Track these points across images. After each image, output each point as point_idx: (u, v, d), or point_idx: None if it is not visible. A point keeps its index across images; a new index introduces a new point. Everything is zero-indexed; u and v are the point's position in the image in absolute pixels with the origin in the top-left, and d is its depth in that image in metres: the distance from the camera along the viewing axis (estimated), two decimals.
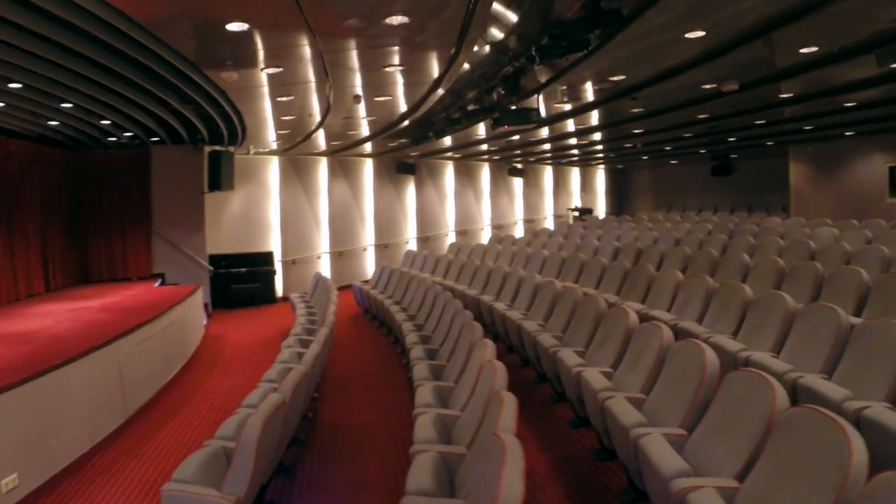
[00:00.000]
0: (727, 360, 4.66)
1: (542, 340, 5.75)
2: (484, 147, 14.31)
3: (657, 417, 3.65)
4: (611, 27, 4.91)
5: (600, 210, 21.14)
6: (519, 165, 18.13)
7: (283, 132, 10.47)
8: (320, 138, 11.34)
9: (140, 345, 6.11)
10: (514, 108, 7.03)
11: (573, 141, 13.43)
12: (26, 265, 8.31)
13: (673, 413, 3.52)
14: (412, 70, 6.36)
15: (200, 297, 9.77)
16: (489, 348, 4.31)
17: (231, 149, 11.26)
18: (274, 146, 12.42)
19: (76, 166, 9.98)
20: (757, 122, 10.25)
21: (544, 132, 11.89)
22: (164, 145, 10.13)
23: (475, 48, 5.91)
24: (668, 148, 14.42)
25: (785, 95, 8.17)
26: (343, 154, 14.34)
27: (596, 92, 8.16)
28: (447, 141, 12.82)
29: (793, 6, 4.73)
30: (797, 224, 9.93)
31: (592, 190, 21.38)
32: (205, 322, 10.39)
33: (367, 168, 15.55)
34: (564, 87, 7.69)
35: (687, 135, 11.95)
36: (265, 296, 12.81)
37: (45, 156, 8.86)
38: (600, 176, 21.60)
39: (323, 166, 14.55)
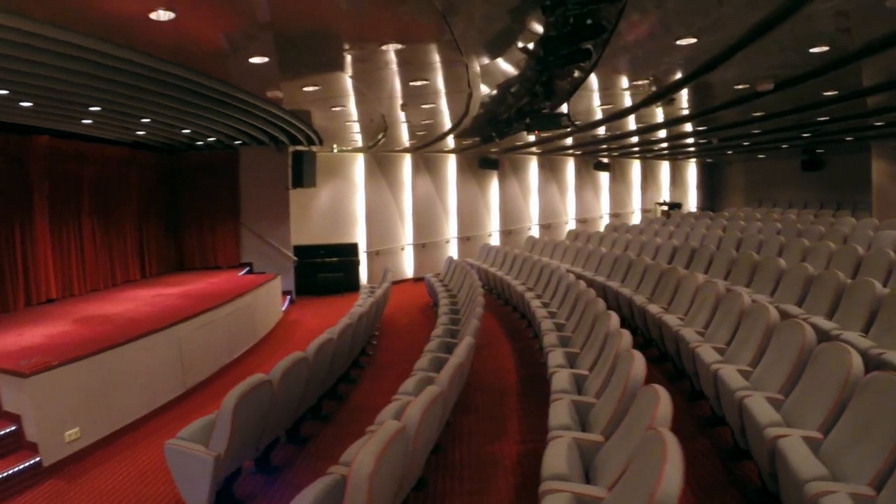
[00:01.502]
0: (704, 371, 4.73)
1: (546, 341, 6.02)
2: (568, 141, 14.29)
3: (596, 422, 3.87)
4: (599, 37, 5.03)
5: (691, 204, 20.29)
6: (605, 160, 17.84)
7: (358, 133, 11.23)
8: (403, 136, 11.95)
9: (202, 328, 7.08)
10: (545, 112, 7.20)
11: (662, 134, 13.07)
12: (123, 255, 9.62)
13: (603, 419, 3.74)
14: (437, 82, 6.75)
15: (278, 285, 10.81)
16: (465, 342, 4.71)
17: (314, 149, 12.24)
18: (358, 144, 13.29)
19: (171, 167, 11.27)
20: (819, 119, 9.59)
21: (631, 124, 11.66)
22: (251, 146, 11.22)
23: (505, 53, 6.19)
24: (745, 143, 13.64)
25: (829, 93, 7.61)
26: (426, 150, 14.95)
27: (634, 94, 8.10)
28: (530, 136, 12.98)
29: None
30: (867, 226, 9.20)
31: (683, 184, 20.55)
32: (284, 308, 11.47)
33: (451, 163, 16.08)
34: (650, 80, 7.59)
35: (755, 131, 11.31)
36: (349, 284, 13.78)
37: (140, 159, 10.10)
38: (692, 170, 20.69)
39: (407, 162, 15.28)
